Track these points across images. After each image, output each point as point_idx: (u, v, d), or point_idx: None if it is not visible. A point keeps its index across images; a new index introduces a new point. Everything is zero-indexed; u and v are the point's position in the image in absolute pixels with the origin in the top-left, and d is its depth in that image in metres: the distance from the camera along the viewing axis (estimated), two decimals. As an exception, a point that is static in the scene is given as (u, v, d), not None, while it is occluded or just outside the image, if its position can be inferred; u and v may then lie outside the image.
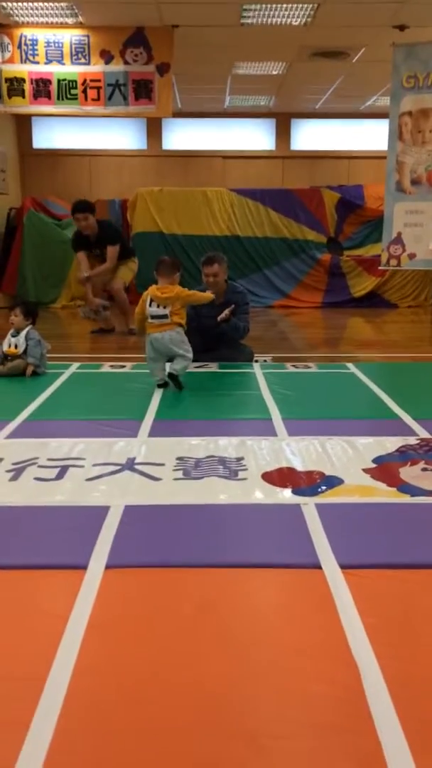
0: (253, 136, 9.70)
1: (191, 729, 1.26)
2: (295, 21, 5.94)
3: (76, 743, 1.23)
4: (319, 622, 1.61)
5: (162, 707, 1.32)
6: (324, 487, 2.43)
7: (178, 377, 3.83)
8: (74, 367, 4.49)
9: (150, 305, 3.80)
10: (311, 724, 1.28)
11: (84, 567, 1.82)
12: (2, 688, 1.36)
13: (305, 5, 5.59)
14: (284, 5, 5.59)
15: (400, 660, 1.47)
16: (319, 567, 1.84)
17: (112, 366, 4.53)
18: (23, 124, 9.21)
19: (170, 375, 3.85)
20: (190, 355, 3.88)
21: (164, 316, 3.80)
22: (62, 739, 1.22)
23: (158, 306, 3.79)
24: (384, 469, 2.62)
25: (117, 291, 5.92)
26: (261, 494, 2.38)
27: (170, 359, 3.91)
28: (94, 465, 2.62)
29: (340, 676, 1.42)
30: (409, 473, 2.58)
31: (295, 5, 5.60)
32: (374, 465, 2.66)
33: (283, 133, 9.68)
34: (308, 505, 2.25)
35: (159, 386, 3.85)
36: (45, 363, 4.25)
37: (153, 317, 3.82)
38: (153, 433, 3.07)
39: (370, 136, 9.50)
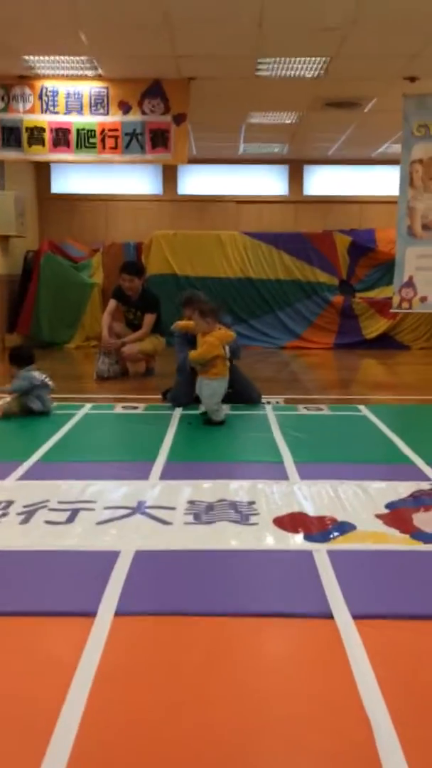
0: (266, 182, 9.89)
1: (199, 785, 1.24)
2: (309, 73, 6.11)
3: (81, 798, 1.21)
4: (331, 674, 1.59)
5: (170, 761, 1.29)
6: (336, 533, 2.41)
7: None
8: (87, 407, 4.52)
9: (225, 349, 4.09)
10: (322, 783, 1.25)
11: (93, 614, 1.81)
12: (10, 737, 1.34)
13: (319, 59, 5.76)
14: (298, 59, 5.77)
15: (413, 715, 1.44)
16: (331, 616, 1.82)
17: (124, 407, 4.55)
18: (42, 170, 9.47)
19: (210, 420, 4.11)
20: None
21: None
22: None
23: (225, 347, 4.12)
24: (397, 515, 2.59)
25: (129, 356, 5.93)
26: (272, 540, 2.36)
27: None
28: (105, 508, 2.62)
29: (351, 732, 1.39)
30: (422, 519, 2.55)
31: (309, 59, 5.77)
32: (387, 510, 2.64)
33: (296, 179, 9.87)
34: (320, 552, 2.23)
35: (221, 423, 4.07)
36: (47, 403, 4.26)
37: (227, 359, 4.14)
38: (164, 475, 3.07)
39: (381, 181, 9.66)
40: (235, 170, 9.79)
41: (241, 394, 4.66)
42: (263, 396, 4.79)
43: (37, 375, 4.25)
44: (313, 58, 5.76)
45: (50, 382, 4.30)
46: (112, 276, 7.74)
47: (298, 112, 7.43)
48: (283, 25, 5.02)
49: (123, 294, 6.01)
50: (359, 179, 9.87)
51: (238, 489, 2.87)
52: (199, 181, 9.75)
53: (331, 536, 2.39)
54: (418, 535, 2.41)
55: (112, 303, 6.08)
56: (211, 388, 4.05)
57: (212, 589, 1.99)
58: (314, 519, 2.54)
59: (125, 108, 6.16)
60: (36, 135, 6.20)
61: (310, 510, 2.63)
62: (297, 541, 2.35)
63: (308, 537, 2.38)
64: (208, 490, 2.85)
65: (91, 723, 1.39)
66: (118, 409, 4.53)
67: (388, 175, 9.50)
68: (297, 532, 2.42)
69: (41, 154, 6.29)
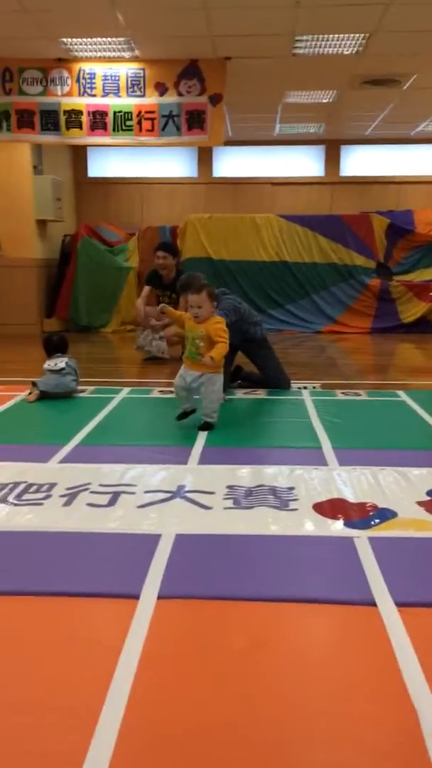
0: (302, 163, 9.75)
1: (245, 770, 1.25)
2: (347, 50, 5.98)
3: (130, 778, 1.23)
4: (375, 663, 1.58)
5: (213, 747, 1.31)
6: (377, 520, 2.39)
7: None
8: (125, 392, 4.55)
9: None
10: (368, 771, 1.25)
11: (136, 596, 1.83)
12: (57, 719, 1.37)
13: (357, 35, 5.63)
14: (336, 35, 5.64)
15: (460, 706, 1.42)
16: (374, 604, 1.80)
17: (161, 391, 4.57)
18: (79, 154, 9.49)
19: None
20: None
21: None
22: (117, 774, 1.22)
23: None
24: (439, 502, 2.56)
25: (169, 337, 5.94)
26: (312, 526, 2.35)
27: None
28: (146, 492, 2.64)
29: (397, 721, 1.38)
30: (465, 507, 2.51)
31: (347, 35, 5.64)
32: (428, 498, 2.61)
33: (332, 160, 9.71)
34: (361, 539, 2.22)
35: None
36: (55, 387, 4.31)
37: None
38: (203, 460, 3.08)
39: (420, 161, 9.45)
40: (271, 152, 9.67)
41: (271, 380, 4.63)
42: (300, 381, 4.76)
43: (48, 365, 4.40)
44: (352, 35, 5.63)
45: (59, 366, 4.35)
46: (147, 260, 7.74)
47: (335, 91, 7.29)
48: (321, 1, 4.91)
49: (157, 277, 6.01)
50: (397, 159, 9.65)
51: (277, 474, 2.86)
52: (234, 163, 9.66)
53: (372, 523, 2.37)
54: (461, 523, 2.37)
55: (146, 289, 6.08)
56: (219, 382, 3.64)
57: (253, 573, 1.99)
58: (354, 505, 2.53)
59: (162, 89, 6.12)
60: (73, 118, 6.21)
61: (350, 496, 2.61)
62: (337, 527, 2.34)
63: (348, 523, 2.37)
64: (247, 475, 2.85)
65: (137, 706, 1.40)
66: (156, 393, 4.55)
67: (427, 155, 9.30)
68: (337, 518, 2.41)
69: (79, 137, 6.31)
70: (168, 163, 9.52)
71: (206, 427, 3.59)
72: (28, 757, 1.27)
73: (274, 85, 7.01)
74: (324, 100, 7.64)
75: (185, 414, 3.69)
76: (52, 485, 2.70)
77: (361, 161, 9.73)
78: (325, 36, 5.66)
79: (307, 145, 9.65)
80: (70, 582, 1.94)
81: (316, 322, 8.34)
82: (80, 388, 4.51)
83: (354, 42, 5.79)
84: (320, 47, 5.92)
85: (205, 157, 9.56)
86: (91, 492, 2.64)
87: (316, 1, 4.89)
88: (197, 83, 6.09)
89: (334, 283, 8.41)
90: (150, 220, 9.24)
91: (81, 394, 4.44)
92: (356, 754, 1.30)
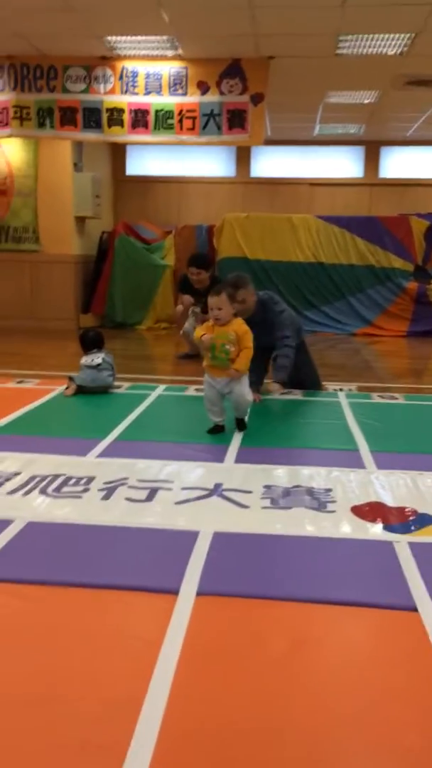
0: (341, 164, 9.69)
1: (287, 770, 1.24)
2: (391, 51, 5.92)
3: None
4: (416, 668, 1.56)
5: (251, 745, 1.30)
6: (417, 525, 2.36)
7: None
8: (160, 389, 4.57)
9: None
10: (411, 778, 1.23)
11: (176, 592, 1.84)
12: (99, 710, 1.38)
13: (402, 35, 5.57)
14: (381, 35, 5.59)
15: None
16: (415, 609, 1.78)
17: (197, 389, 4.57)
18: (118, 152, 9.57)
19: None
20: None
21: None
22: (161, 764, 1.23)
23: None
24: None
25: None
26: (350, 528, 2.33)
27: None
28: (183, 488, 2.65)
29: (439, 728, 1.36)
30: None
31: (392, 35, 5.58)
32: (469, 504, 2.56)
33: (371, 161, 9.62)
34: (401, 543, 2.19)
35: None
36: (92, 382, 4.35)
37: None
38: (239, 459, 3.08)
39: (462, 163, 9.31)
40: (310, 152, 9.63)
41: (303, 381, 4.60)
42: (335, 383, 4.72)
43: (85, 360, 4.45)
44: (397, 35, 5.58)
45: (95, 361, 4.40)
46: (183, 258, 7.76)
47: (377, 91, 7.23)
48: (367, 1, 4.87)
49: (190, 285, 5.95)
50: (439, 161, 9.53)
51: (314, 475, 2.85)
52: (273, 163, 9.64)
53: (412, 528, 2.34)
54: None
55: (187, 298, 5.95)
56: (247, 381, 3.54)
57: (291, 574, 1.98)
58: (393, 509, 2.50)
59: (204, 88, 6.14)
60: (115, 116, 6.26)
61: (389, 500, 2.59)
62: (376, 530, 2.31)
63: (387, 527, 2.34)
64: (284, 475, 2.84)
65: (178, 701, 1.41)
66: (191, 391, 4.56)
67: (470, 157, 9.16)
68: (375, 521, 2.39)
69: (120, 135, 6.36)
70: (206, 162, 9.54)
71: (241, 424, 3.57)
72: (73, 748, 1.28)
73: (315, 84, 6.98)
74: (365, 101, 7.58)
75: (218, 428, 3.51)
76: (91, 479, 2.73)
77: (400, 163, 9.63)
78: (370, 36, 5.62)
79: (347, 146, 9.58)
80: (110, 575, 1.95)
81: (351, 324, 8.27)
82: (116, 383, 4.54)
83: (399, 42, 5.74)
84: (364, 47, 5.87)
85: (243, 157, 9.56)
86: (129, 487, 2.65)
87: (361, 0, 4.85)
88: (239, 82, 6.09)
89: (370, 285, 8.33)
90: (187, 219, 9.27)
91: (117, 390, 4.47)
92: (394, 761, 1.28)
